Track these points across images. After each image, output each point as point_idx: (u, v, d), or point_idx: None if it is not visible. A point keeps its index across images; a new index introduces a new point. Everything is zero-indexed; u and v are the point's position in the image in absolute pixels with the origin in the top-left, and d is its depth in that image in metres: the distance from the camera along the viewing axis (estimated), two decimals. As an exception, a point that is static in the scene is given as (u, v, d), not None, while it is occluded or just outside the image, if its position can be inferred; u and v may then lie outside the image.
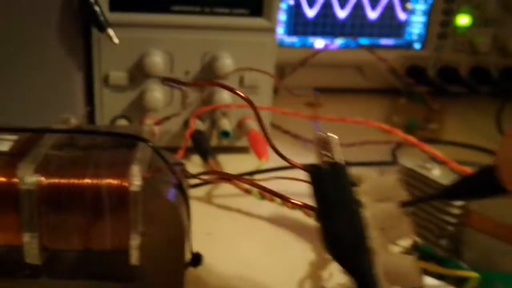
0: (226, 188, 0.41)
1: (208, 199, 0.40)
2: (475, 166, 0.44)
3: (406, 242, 0.32)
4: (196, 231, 0.31)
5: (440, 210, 0.29)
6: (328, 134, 0.15)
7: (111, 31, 0.41)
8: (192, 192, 0.40)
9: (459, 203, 0.28)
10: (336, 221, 0.15)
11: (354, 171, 0.25)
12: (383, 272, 0.20)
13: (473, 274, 0.26)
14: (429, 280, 0.25)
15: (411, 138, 0.36)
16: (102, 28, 0.41)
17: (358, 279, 0.15)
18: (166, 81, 0.17)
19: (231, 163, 0.44)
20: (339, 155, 0.15)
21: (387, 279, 0.20)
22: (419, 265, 0.21)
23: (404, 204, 0.22)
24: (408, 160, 0.31)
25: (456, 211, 0.29)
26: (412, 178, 0.30)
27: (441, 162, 0.35)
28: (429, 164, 0.30)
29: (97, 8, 0.41)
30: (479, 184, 0.16)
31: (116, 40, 0.41)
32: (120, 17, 0.42)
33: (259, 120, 0.17)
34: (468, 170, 0.35)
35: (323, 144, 0.15)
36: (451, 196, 0.18)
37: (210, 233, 0.35)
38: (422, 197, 0.22)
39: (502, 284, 0.27)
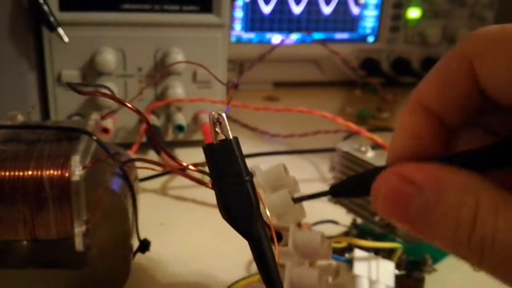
0: (181, 179, 0.42)
1: (163, 191, 0.41)
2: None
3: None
4: (150, 221, 0.32)
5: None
6: (219, 113, 0.17)
7: (61, 31, 0.42)
8: (148, 184, 0.42)
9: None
10: (227, 189, 0.17)
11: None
12: (294, 248, 0.22)
13: (397, 245, 0.28)
14: (359, 253, 0.27)
15: (352, 125, 0.38)
16: (52, 27, 0.42)
17: (251, 242, 0.17)
18: (69, 85, 0.18)
19: (187, 157, 0.45)
20: (229, 132, 0.17)
21: (299, 254, 0.22)
22: (327, 240, 0.23)
23: (296, 200, 0.24)
24: (344, 144, 0.33)
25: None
26: (348, 161, 0.32)
27: (380, 146, 0.38)
28: (365, 147, 0.32)
29: (46, 8, 0.41)
30: (361, 184, 0.17)
31: (66, 39, 0.42)
32: (71, 16, 0.43)
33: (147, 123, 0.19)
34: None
35: (216, 123, 0.17)
36: (337, 193, 0.20)
37: (163, 223, 0.37)
38: (313, 194, 0.24)
39: (429, 255, 0.30)
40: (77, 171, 0.24)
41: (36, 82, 0.45)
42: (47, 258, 0.27)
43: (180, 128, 0.45)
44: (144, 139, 0.44)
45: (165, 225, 0.36)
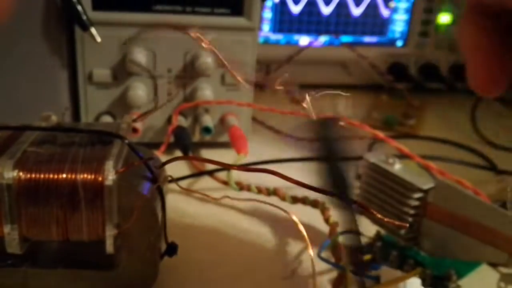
0: (204, 181, 0.43)
1: (187, 192, 0.42)
2: (441, 160, 0.46)
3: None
4: (174, 223, 0.33)
5: (400, 202, 0.30)
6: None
7: (94, 30, 0.42)
8: (172, 185, 0.42)
9: (417, 195, 0.30)
10: (335, 165, 0.20)
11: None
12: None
13: (416, 271, 0.28)
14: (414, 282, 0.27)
15: (379, 133, 0.38)
16: (85, 27, 0.42)
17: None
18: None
19: (212, 158, 0.45)
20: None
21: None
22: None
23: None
24: (372, 155, 0.32)
25: (414, 203, 0.30)
26: (375, 172, 0.32)
27: (407, 157, 0.37)
28: (392, 159, 0.32)
29: (79, 7, 0.42)
30: None
31: (98, 39, 0.42)
32: (103, 16, 0.43)
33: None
34: (432, 165, 0.36)
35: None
36: None
37: (189, 224, 0.37)
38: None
39: (454, 270, 0.29)
40: (110, 176, 0.25)
41: (67, 80, 0.46)
42: (78, 258, 0.28)
43: (207, 130, 0.46)
44: (171, 139, 0.44)
45: (191, 227, 0.37)
